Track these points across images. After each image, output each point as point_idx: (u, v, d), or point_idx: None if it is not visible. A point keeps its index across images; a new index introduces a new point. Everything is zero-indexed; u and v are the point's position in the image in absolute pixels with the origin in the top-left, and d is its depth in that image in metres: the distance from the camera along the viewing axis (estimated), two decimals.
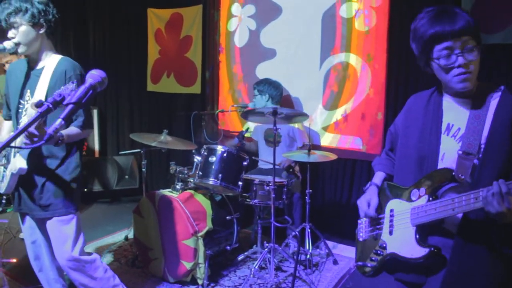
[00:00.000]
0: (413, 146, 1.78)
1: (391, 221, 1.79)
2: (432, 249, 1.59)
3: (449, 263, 1.61)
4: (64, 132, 2.34)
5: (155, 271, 3.64)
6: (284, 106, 4.59)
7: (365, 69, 4.30)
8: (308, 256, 3.77)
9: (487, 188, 1.41)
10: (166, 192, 3.64)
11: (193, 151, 3.82)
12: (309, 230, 3.87)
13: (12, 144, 2.13)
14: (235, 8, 5.17)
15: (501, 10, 3.56)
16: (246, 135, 4.12)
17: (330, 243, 4.22)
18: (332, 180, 4.66)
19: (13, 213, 5.09)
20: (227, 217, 3.75)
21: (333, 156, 3.72)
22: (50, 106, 1.29)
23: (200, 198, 3.64)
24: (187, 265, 3.37)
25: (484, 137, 1.58)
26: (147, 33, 5.93)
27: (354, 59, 4.37)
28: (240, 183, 3.60)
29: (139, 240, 3.77)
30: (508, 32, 3.54)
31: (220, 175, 3.52)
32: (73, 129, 2.45)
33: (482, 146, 1.58)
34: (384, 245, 1.79)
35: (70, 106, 1.30)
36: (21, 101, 2.53)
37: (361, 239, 1.95)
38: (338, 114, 4.50)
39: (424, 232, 1.66)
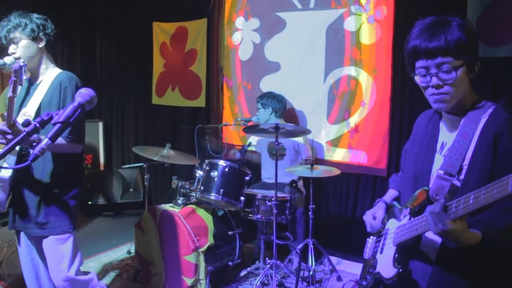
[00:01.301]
0: (411, 164, 1.77)
1: (384, 239, 1.78)
2: (400, 269, 1.56)
3: None
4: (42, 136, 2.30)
5: (156, 286, 3.60)
6: (288, 119, 4.56)
7: (370, 82, 4.27)
8: (311, 273, 3.71)
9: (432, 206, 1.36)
10: (168, 207, 3.62)
11: (196, 165, 3.80)
12: (312, 246, 3.82)
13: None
14: (239, 22, 5.18)
15: (507, 23, 3.51)
16: (249, 149, 4.10)
17: (334, 259, 4.16)
18: (336, 195, 4.61)
19: None
20: (229, 232, 3.72)
21: (336, 171, 3.68)
22: (37, 125, 1.27)
23: (201, 213, 3.61)
24: (188, 281, 3.34)
25: (468, 157, 1.50)
26: (152, 46, 5.95)
27: (358, 73, 4.34)
28: (242, 198, 3.57)
29: (141, 254, 3.74)
30: None
31: (221, 190, 3.49)
32: (58, 140, 2.42)
33: (465, 166, 1.50)
34: (375, 263, 1.78)
35: (57, 126, 1.29)
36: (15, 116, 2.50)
37: (365, 257, 1.94)
38: (342, 128, 4.47)
39: (404, 254, 1.62)
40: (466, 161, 1.50)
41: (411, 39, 1.54)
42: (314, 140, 4.46)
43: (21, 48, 2.42)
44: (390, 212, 1.86)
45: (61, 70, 2.58)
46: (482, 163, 1.46)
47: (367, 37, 4.26)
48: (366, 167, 4.34)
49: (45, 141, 1.26)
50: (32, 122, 1.27)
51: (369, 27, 4.24)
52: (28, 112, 2.40)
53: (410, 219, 1.60)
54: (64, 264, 2.52)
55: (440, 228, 1.32)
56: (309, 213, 3.80)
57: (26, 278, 2.74)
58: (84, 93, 1.49)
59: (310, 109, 4.69)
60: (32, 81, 2.57)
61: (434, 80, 1.49)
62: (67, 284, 2.55)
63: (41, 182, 2.45)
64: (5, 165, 2.33)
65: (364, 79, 4.30)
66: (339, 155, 4.50)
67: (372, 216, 1.89)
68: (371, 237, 1.94)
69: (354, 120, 4.39)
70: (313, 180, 3.83)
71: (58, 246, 2.51)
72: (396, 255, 1.62)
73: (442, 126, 1.69)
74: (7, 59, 2.51)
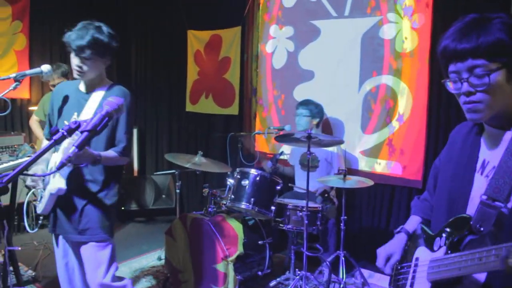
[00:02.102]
0: (445, 185, 1.54)
1: (414, 271, 1.55)
2: None
3: None
4: (102, 154, 2.34)
5: None
6: (323, 129, 4.50)
7: (406, 92, 4.17)
8: (342, 285, 3.63)
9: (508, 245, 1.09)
10: (198, 214, 3.62)
11: (228, 173, 3.79)
12: (343, 258, 3.73)
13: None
14: (274, 30, 5.16)
15: None
16: (282, 157, 4.06)
17: (366, 272, 4.06)
18: (369, 206, 4.51)
19: None
20: (259, 242, 3.69)
21: (370, 182, 3.59)
22: (65, 133, 1.28)
23: (232, 222, 3.59)
24: None
25: None
26: (186, 54, 6.01)
27: (394, 82, 4.24)
28: (273, 207, 3.53)
29: (170, 262, 3.75)
30: None
31: (252, 199, 3.46)
32: (111, 153, 2.46)
33: None
34: None
35: (85, 134, 1.29)
36: (65, 122, 2.50)
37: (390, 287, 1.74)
38: (376, 138, 4.37)
39: None
40: None
41: (444, 39, 1.35)
42: (347, 151, 4.38)
43: (90, 64, 2.45)
44: (415, 240, 1.65)
45: (112, 82, 2.62)
46: None
47: (403, 46, 4.16)
48: (401, 179, 4.23)
49: (72, 149, 1.27)
50: (60, 130, 1.27)
51: (406, 35, 4.14)
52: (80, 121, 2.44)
53: (447, 252, 1.37)
54: (101, 270, 2.55)
55: None
56: (341, 224, 3.73)
57: (61, 280, 2.78)
58: (112, 102, 1.50)
59: (344, 118, 4.62)
60: (82, 89, 2.59)
61: (465, 86, 1.29)
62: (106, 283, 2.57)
63: (87, 190, 2.50)
64: (58, 176, 2.38)
65: (400, 88, 4.20)
66: (373, 165, 4.40)
67: (385, 258, 1.67)
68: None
69: (389, 130, 4.29)
70: (346, 191, 3.76)
71: (97, 253, 2.55)
72: None
73: (483, 141, 1.45)
74: (44, 68, 2.57)
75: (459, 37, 1.28)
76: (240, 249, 3.44)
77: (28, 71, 2.57)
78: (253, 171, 3.57)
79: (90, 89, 2.56)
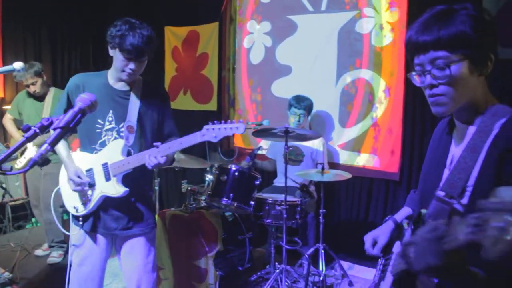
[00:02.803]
0: (421, 181, 1.55)
1: (389, 265, 1.57)
2: None
3: None
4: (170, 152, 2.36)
5: None
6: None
7: (382, 85, 4.22)
8: (321, 278, 3.67)
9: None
10: (177, 211, 3.61)
11: (207, 169, 3.79)
12: (322, 251, 3.77)
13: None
14: (251, 25, 5.17)
15: None
16: (260, 152, 4.07)
17: (345, 264, 4.12)
18: (348, 199, 4.57)
19: (30, 230, 5.14)
20: (239, 237, 3.70)
21: (347, 175, 3.64)
22: (37, 131, 1.26)
23: (211, 217, 3.59)
24: (198, 286, 3.33)
25: (474, 177, 1.23)
26: (164, 50, 5.97)
27: (370, 76, 4.29)
28: (252, 202, 3.54)
29: None
30: None
31: (231, 194, 3.46)
32: None
33: (469, 188, 1.24)
34: None
35: (57, 131, 1.28)
36: (99, 121, 2.42)
37: (375, 280, 1.76)
38: (354, 131, 4.42)
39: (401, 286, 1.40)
40: (471, 181, 1.23)
41: (409, 31, 1.31)
42: (329, 145, 4.42)
43: (141, 68, 2.40)
44: (401, 233, 1.66)
45: (142, 78, 2.56)
46: (488, 186, 1.15)
47: (379, 40, 4.21)
48: (378, 171, 4.29)
49: (44, 146, 1.25)
50: (32, 127, 1.26)
51: (381, 30, 4.19)
52: (130, 124, 2.41)
53: None
54: (148, 258, 2.56)
55: (427, 263, 1.05)
56: (320, 217, 3.76)
57: (80, 278, 2.57)
58: (85, 98, 1.48)
59: (322, 112, 4.65)
60: (112, 84, 2.49)
61: (428, 79, 1.26)
62: (147, 276, 2.56)
63: (138, 186, 2.49)
64: (114, 180, 2.36)
65: (377, 82, 4.26)
66: (351, 158, 4.45)
67: (372, 240, 1.66)
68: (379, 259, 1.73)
69: (366, 123, 4.34)
70: (324, 185, 3.79)
71: (145, 242, 2.54)
72: None
73: (454, 136, 1.42)
74: (16, 65, 2.50)
75: (422, 29, 1.26)
76: (220, 245, 3.45)
77: (0, 69, 2.51)
78: (231, 167, 3.57)
79: (129, 85, 2.48)
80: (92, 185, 2.39)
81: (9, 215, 5.20)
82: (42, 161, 1.25)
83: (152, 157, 2.25)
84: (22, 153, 4.21)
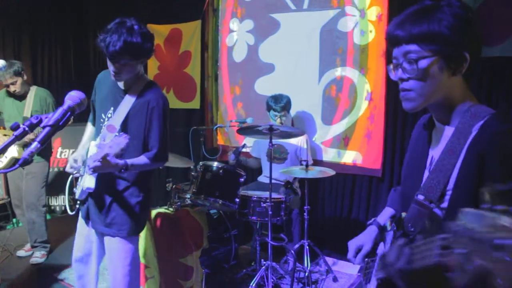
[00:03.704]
0: (402, 181, 1.52)
1: (374, 268, 1.55)
2: None
3: None
4: (129, 161, 2.29)
5: None
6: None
7: (364, 83, 4.27)
8: (307, 274, 3.70)
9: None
10: (162, 209, 3.60)
11: (191, 167, 3.79)
12: (307, 247, 3.81)
13: None
14: (234, 23, 5.18)
15: (501, 22, 3.51)
16: (244, 149, 4.08)
17: (330, 260, 4.16)
18: (332, 196, 4.61)
19: (12, 230, 5.07)
20: (225, 234, 3.71)
21: (331, 172, 3.68)
22: (27, 129, 1.26)
23: (196, 215, 3.60)
24: (184, 283, 3.33)
25: (453, 180, 1.21)
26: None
27: (352, 73, 4.34)
28: (237, 199, 3.55)
29: None
30: (507, 45, 3.49)
31: (216, 192, 3.48)
32: (141, 159, 2.41)
33: (449, 192, 1.22)
34: None
35: (47, 129, 1.28)
36: (103, 115, 2.51)
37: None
38: (337, 128, 4.47)
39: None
40: (450, 185, 1.21)
41: (389, 25, 1.31)
42: (313, 141, 4.46)
43: (127, 70, 2.35)
44: (384, 235, 1.62)
45: (146, 81, 2.52)
46: (468, 190, 1.16)
47: (361, 38, 4.26)
48: (361, 168, 4.34)
49: (34, 144, 1.25)
50: (22, 125, 1.26)
51: (363, 27, 4.24)
52: (113, 124, 2.39)
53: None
54: (123, 262, 2.57)
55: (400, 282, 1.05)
56: (304, 214, 3.80)
57: (77, 260, 2.71)
58: (74, 96, 1.48)
59: (305, 110, 4.69)
60: (124, 87, 2.50)
61: (399, 72, 1.25)
62: (122, 279, 2.58)
63: (114, 188, 2.49)
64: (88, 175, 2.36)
65: (359, 79, 4.30)
66: (334, 155, 4.50)
67: (355, 249, 1.62)
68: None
69: (349, 120, 4.39)
70: (308, 181, 3.83)
71: (119, 246, 2.54)
72: None
73: (434, 136, 1.39)
74: None
75: (399, 23, 1.25)
76: (205, 242, 3.46)
77: None
78: (216, 164, 3.58)
79: (126, 86, 2.48)
80: (82, 174, 2.51)
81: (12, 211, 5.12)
82: (31, 158, 1.25)
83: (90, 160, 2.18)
84: (2, 152, 4.15)
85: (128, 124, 2.44)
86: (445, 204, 1.22)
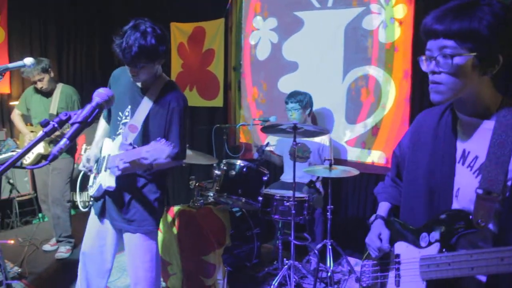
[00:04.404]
0: (422, 175, 1.50)
1: (397, 269, 1.51)
2: None
3: None
4: (154, 162, 2.27)
5: (174, 286, 3.61)
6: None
7: (389, 81, 4.21)
8: (329, 274, 3.68)
9: None
10: (185, 207, 3.62)
11: (214, 165, 3.79)
12: (330, 247, 3.78)
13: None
14: (257, 21, 5.17)
15: None
16: (267, 148, 4.07)
17: (352, 260, 4.12)
18: (355, 195, 4.57)
19: (38, 225, 5.17)
20: (247, 233, 3.71)
21: (355, 172, 3.64)
22: (56, 125, 1.27)
23: (219, 213, 3.61)
24: (206, 281, 3.34)
25: (511, 171, 1.24)
26: (170, 47, 5.97)
27: (377, 72, 4.29)
28: (260, 198, 3.55)
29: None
30: None
31: (239, 190, 3.47)
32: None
33: (509, 183, 1.24)
34: None
35: (75, 126, 1.29)
36: (120, 114, 2.52)
37: (364, 285, 1.74)
38: (361, 128, 4.42)
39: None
40: (510, 175, 1.24)
41: (427, 16, 1.33)
42: (333, 140, 4.43)
43: (144, 72, 2.37)
44: (393, 232, 1.64)
45: (165, 81, 2.53)
46: None
47: (386, 36, 4.20)
48: (385, 168, 4.29)
49: (63, 141, 1.27)
50: (51, 122, 1.27)
51: (388, 26, 4.18)
52: (135, 123, 2.40)
53: (441, 249, 1.33)
54: (145, 258, 2.60)
55: None
56: (327, 213, 3.77)
57: (88, 257, 2.70)
58: (102, 93, 1.50)
59: (329, 109, 4.66)
60: (142, 86, 2.51)
61: (432, 65, 1.30)
62: (145, 275, 2.61)
63: (134, 185, 2.52)
64: (108, 172, 2.39)
65: (383, 78, 4.25)
66: (359, 155, 4.45)
67: (378, 238, 1.64)
68: (365, 262, 1.73)
69: (373, 120, 4.34)
70: (332, 181, 3.80)
71: (142, 243, 2.58)
72: None
73: (461, 129, 1.41)
74: (27, 61, 2.53)
75: (438, 16, 1.28)
76: (228, 240, 3.46)
77: (11, 65, 2.52)
78: (239, 162, 3.58)
79: (144, 85, 2.50)
80: (98, 172, 2.51)
81: (17, 210, 5.23)
82: (60, 154, 1.26)
83: (117, 160, 2.20)
84: (32, 148, 4.23)
85: (148, 124, 2.45)
86: (508, 194, 1.24)
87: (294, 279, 3.44)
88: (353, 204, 4.58)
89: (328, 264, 3.74)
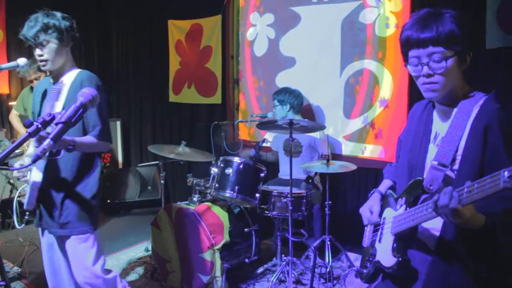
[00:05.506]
0: (406, 154, 1.79)
1: (382, 228, 1.81)
2: (400, 258, 1.60)
3: (426, 279, 1.60)
4: (77, 139, 2.25)
5: (173, 284, 3.62)
6: (305, 115, 4.52)
7: (387, 75, 4.19)
8: (328, 269, 3.67)
9: (436, 196, 1.36)
10: (183, 204, 3.62)
11: (212, 162, 3.79)
12: (329, 243, 3.77)
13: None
14: (254, 17, 5.15)
15: None
16: (265, 144, 4.07)
17: (352, 255, 4.11)
18: (353, 190, 4.56)
19: None
20: (245, 229, 3.70)
21: (353, 166, 3.63)
22: (39, 126, 1.27)
23: (217, 210, 3.60)
24: (204, 278, 3.34)
25: (461, 148, 1.53)
26: (168, 44, 5.96)
27: (375, 66, 4.27)
28: (257, 195, 3.54)
29: (157, 252, 3.76)
30: None
31: (236, 187, 3.47)
32: (87, 138, 2.39)
33: (459, 157, 1.53)
34: (375, 252, 1.80)
35: (59, 126, 1.28)
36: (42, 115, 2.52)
37: (364, 245, 1.96)
38: (359, 122, 4.40)
39: (403, 243, 1.65)
40: (460, 152, 1.53)
41: (405, 29, 1.58)
42: (330, 135, 4.42)
43: (49, 51, 2.41)
44: (385, 201, 1.88)
45: (80, 70, 2.56)
46: (475, 154, 1.49)
47: (383, 30, 4.18)
48: (383, 162, 4.26)
49: (47, 141, 1.26)
50: (35, 123, 1.26)
51: (385, 19, 4.16)
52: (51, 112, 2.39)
53: (406, 209, 1.64)
54: (87, 262, 2.52)
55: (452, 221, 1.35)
56: (326, 209, 3.76)
57: (47, 274, 2.72)
58: (86, 93, 1.49)
59: (326, 103, 4.64)
60: (54, 81, 2.55)
61: (425, 69, 1.53)
62: (90, 281, 2.54)
63: (65, 183, 2.45)
64: (34, 168, 2.32)
65: (381, 72, 4.23)
66: (356, 150, 4.44)
67: (369, 210, 1.88)
68: (369, 226, 1.95)
69: (371, 114, 4.32)
70: (330, 176, 3.78)
71: (80, 245, 2.50)
72: (395, 245, 1.65)
73: (436, 116, 1.72)
74: (20, 61, 2.53)
75: (421, 27, 1.51)
76: (226, 237, 3.46)
77: (4, 65, 2.52)
78: (236, 159, 3.58)
79: (56, 79, 2.52)
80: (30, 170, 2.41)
81: (17, 210, 5.22)
82: (43, 155, 1.25)
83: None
84: (17, 149, 4.22)
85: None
86: (456, 167, 1.54)
87: (293, 275, 3.44)
88: (351, 199, 4.57)
89: (327, 260, 3.73)
